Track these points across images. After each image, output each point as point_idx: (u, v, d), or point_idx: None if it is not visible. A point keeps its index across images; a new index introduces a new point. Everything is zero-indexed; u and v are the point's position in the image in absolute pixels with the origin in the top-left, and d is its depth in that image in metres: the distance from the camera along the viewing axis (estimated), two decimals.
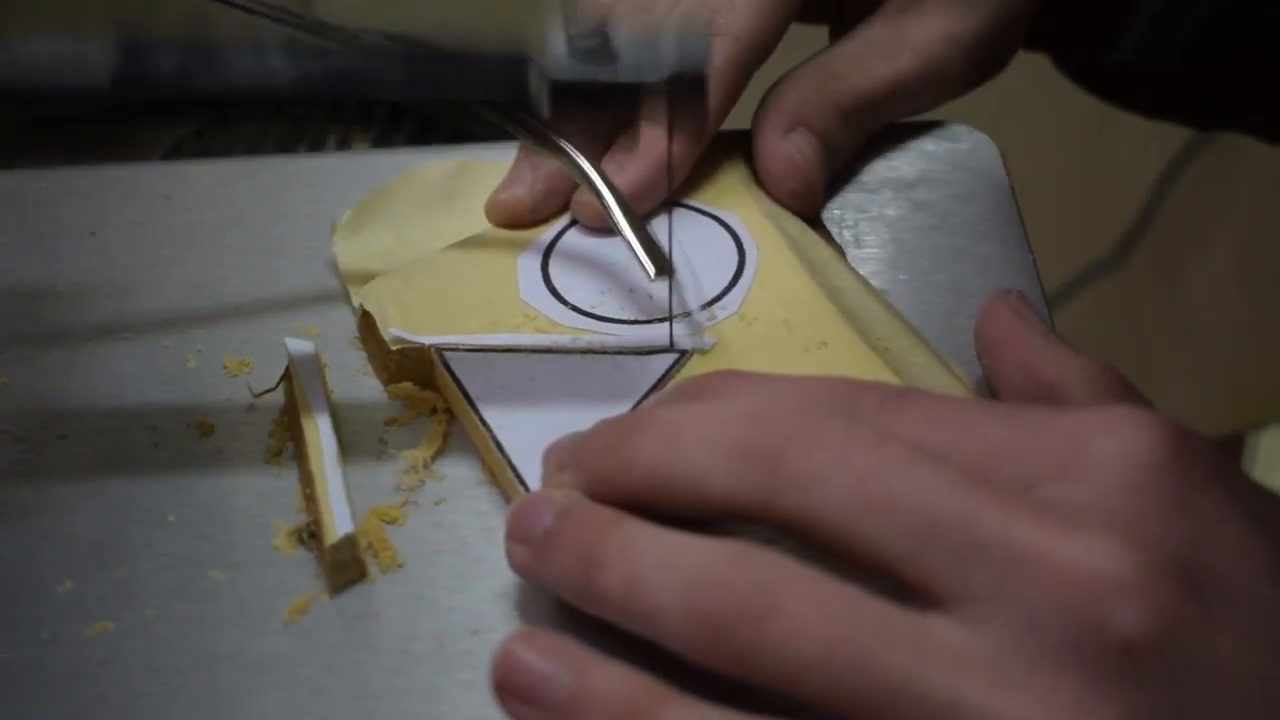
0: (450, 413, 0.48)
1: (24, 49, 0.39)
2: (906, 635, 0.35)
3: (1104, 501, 0.35)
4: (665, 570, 0.37)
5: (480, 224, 0.53)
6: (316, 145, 0.69)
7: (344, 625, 0.43)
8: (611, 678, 0.36)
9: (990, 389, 0.46)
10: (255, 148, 0.68)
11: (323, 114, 0.69)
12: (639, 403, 0.46)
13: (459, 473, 0.47)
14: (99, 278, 0.53)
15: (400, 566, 0.44)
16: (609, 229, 0.50)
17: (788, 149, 0.52)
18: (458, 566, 0.44)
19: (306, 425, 0.46)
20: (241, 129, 0.69)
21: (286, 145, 0.69)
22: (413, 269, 0.51)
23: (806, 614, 0.35)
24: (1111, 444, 0.36)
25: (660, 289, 0.49)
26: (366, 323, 0.49)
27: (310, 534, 0.45)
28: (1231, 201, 1.40)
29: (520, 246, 0.52)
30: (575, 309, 0.50)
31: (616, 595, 0.38)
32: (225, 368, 0.50)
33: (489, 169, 0.54)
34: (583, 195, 0.52)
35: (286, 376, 0.48)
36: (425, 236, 0.53)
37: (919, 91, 0.55)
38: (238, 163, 0.61)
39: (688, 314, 0.48)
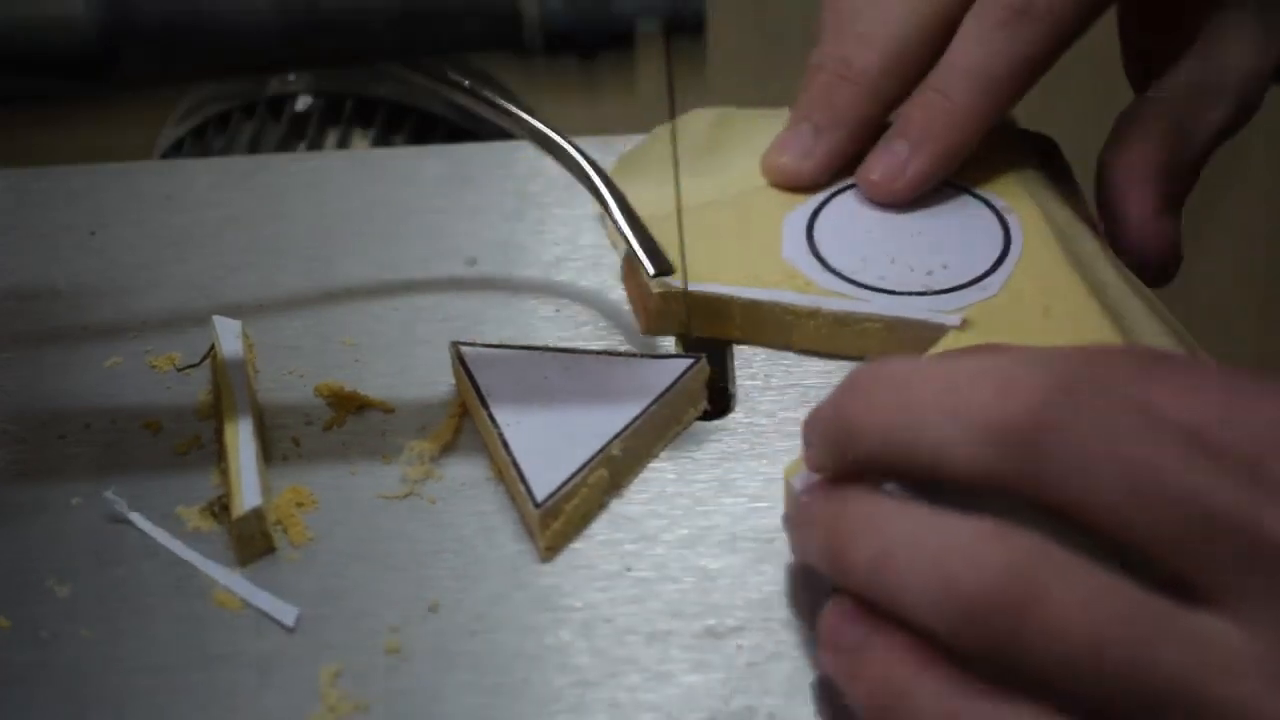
0: (464, 408, 0.48)
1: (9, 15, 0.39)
2: (1179, 634, 0.34)
3: None
4: (915, 547, 0.36)
5: (742, 178, 0.54)
6: (316, 145, 0.69)
7: (344, 625, 0.43)
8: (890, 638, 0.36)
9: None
10: (255, 147, 0.68)
11: (320, 111, 0.69)
12: (649, 407, 0.46)
13: (458, 472, 0.47)
14: (99, 278, 0.53)
15: (310, 540, 0.44)
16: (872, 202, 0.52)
17: (1170, 234, 0.52)
18: (457, 567, 0.44)
19: (225, 402, 0.46)
20: (241, 128, 0.69)
21: (286, 145, 0.69)
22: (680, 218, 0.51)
23: (1073, 607, 0.34)
24: None
25: (927, 262, 0.50)
26: (630, 266, 0.50)
27: (222, 507, 0.45)
28: (1231, 202, 1.40)
29: (788, 206, 0.53)
30: (836, 273, 0.50)
31: (863, 569, 0.37)
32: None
33: (752, 120, 0.55)
34: (869, 171, 0.52)
35: (211, 354, 0.48)
36: (687, 188, 0.53)
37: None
38: (238, 162, 0.61)
39: (939, 292, 0.49)
